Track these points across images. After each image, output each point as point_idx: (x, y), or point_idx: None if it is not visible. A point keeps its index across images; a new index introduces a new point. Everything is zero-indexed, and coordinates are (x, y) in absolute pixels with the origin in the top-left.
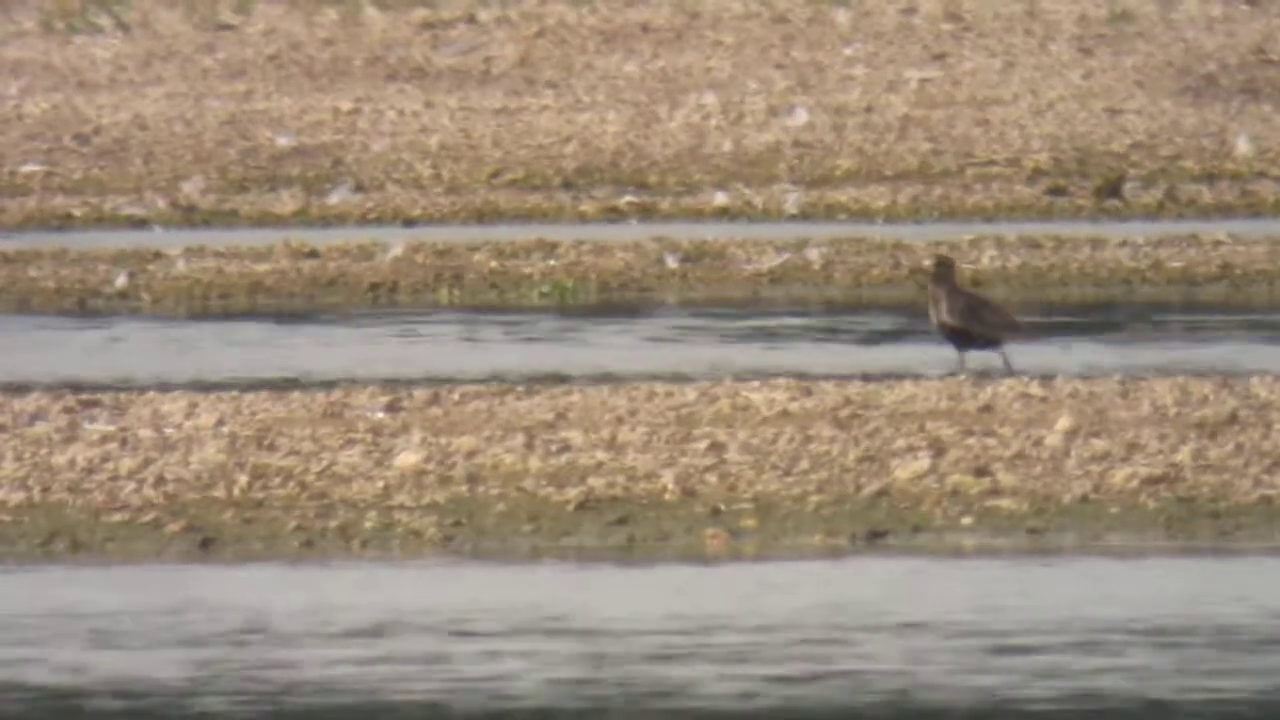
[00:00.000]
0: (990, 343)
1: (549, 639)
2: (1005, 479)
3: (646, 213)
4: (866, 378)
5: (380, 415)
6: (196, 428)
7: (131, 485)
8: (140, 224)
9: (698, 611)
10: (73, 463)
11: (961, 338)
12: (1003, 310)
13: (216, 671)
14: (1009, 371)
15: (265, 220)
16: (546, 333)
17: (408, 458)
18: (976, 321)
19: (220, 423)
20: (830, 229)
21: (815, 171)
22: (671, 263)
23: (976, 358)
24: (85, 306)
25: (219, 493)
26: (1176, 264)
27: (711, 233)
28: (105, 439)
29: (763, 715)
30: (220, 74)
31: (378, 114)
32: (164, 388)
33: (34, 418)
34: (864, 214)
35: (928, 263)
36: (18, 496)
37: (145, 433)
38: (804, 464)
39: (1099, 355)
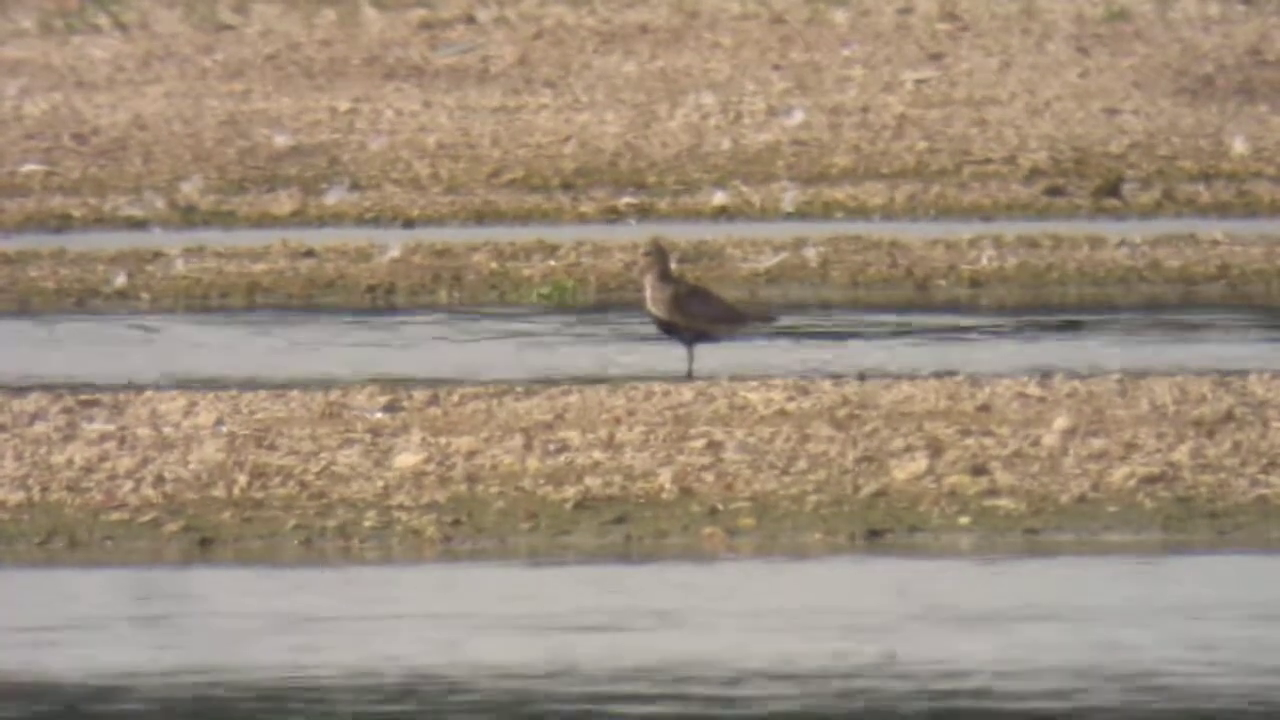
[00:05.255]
0: (704, 336)
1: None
2: (1003, 478)
3: (645, 213)
4: (863, 376)
5: (379, 415)
6: (195, 427)
7: (130, 484)
8: (139, 224)
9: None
10: (71, 462)
11: (669, 330)
12: (719, 301)
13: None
14: (689, 375)
15: (264, 220)
16: (546, 333)
17: (407, 458)
18: (680, 313)
19: (219, 422)
20: (827, 227)
21: (812, 169)
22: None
23: (711, 353)
24: (84, 306)
25: (218, 492)
26: (1174, 263)
27: (710, 232)
28: (104, 438)
29: None
30: (218, 74)
31: (376, 114)
32: (162, 387)
33: (34, 418)
34: (861, 212)
35: (642, 250)
36: (17, 496)
37: (144, 432)
38: (802, 463)
39: (1097, 353)
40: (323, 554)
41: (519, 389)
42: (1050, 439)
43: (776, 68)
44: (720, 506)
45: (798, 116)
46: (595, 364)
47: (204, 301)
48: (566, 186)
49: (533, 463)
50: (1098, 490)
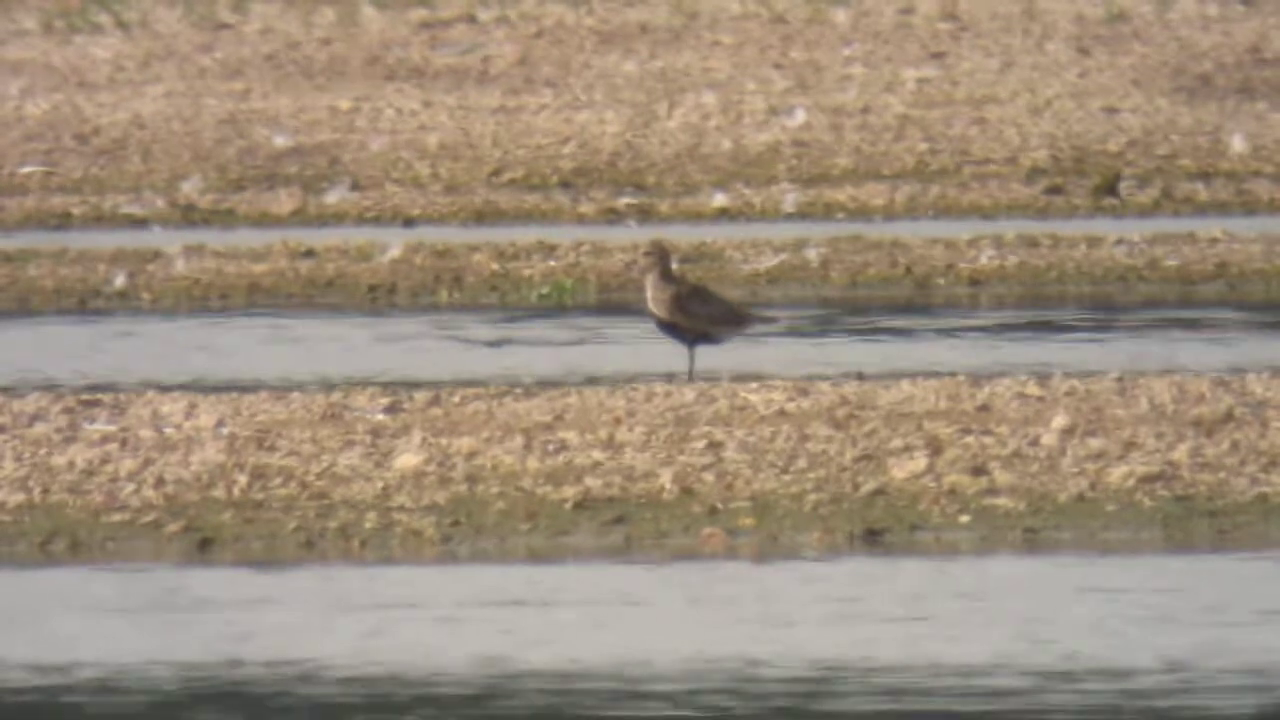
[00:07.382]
0: (705, 336)
1: None
2: (1002, 478)
3: (645, 214)
4: (863, 376)
5: (380, 416)
6: (196, 428)
7: (131, 486)
8: (139, 223)
9: None
10: (72, 463)
11: (670, 330)
12: (720, 302)
13: None
14: (689, 377)
15: (264, 220)
16: (547, 333)
17: (408, 459)
18: (681, 313)
19: (220, 423)
20: (828, 228)
21: (813, 170)
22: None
23: (712, 354)
24: (85, 306)
25: (219, 493)
26: (1173, 262)
27: (710, 233)
28: (105, 439)
29: None
30: (218, 73)
31: (376, 113)
32: (164, 388)
33: (34, 419)
34: (861, 212)
35: (643, 250)
36: (18, 497)
37: (145, 433)
38: (801, 463)
39: (1096, 353)
40: (323, 554)
41: (519, 389)
42: (1049, 438)
43: (777, 67)
44: (720, 506)
45: (799, 116)
46: (595, 364)
47: (204, 301)
48: (566, 186)
49: (532, 463)
50: (1096, 489)
